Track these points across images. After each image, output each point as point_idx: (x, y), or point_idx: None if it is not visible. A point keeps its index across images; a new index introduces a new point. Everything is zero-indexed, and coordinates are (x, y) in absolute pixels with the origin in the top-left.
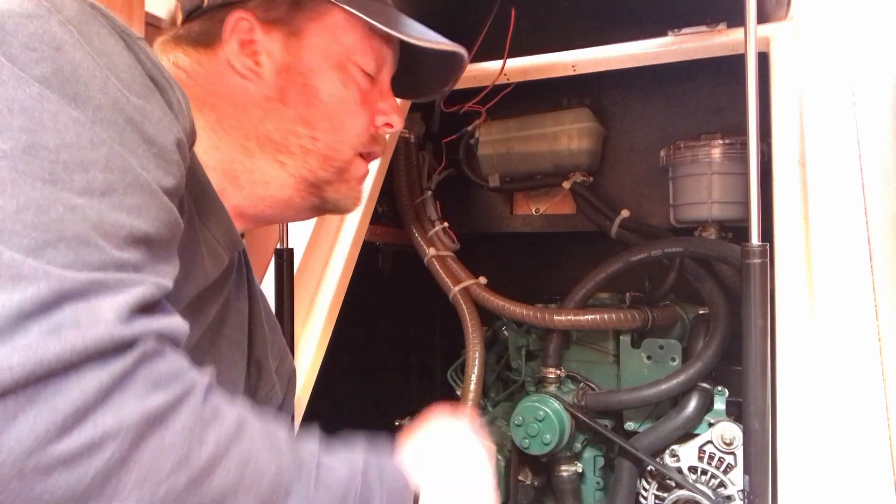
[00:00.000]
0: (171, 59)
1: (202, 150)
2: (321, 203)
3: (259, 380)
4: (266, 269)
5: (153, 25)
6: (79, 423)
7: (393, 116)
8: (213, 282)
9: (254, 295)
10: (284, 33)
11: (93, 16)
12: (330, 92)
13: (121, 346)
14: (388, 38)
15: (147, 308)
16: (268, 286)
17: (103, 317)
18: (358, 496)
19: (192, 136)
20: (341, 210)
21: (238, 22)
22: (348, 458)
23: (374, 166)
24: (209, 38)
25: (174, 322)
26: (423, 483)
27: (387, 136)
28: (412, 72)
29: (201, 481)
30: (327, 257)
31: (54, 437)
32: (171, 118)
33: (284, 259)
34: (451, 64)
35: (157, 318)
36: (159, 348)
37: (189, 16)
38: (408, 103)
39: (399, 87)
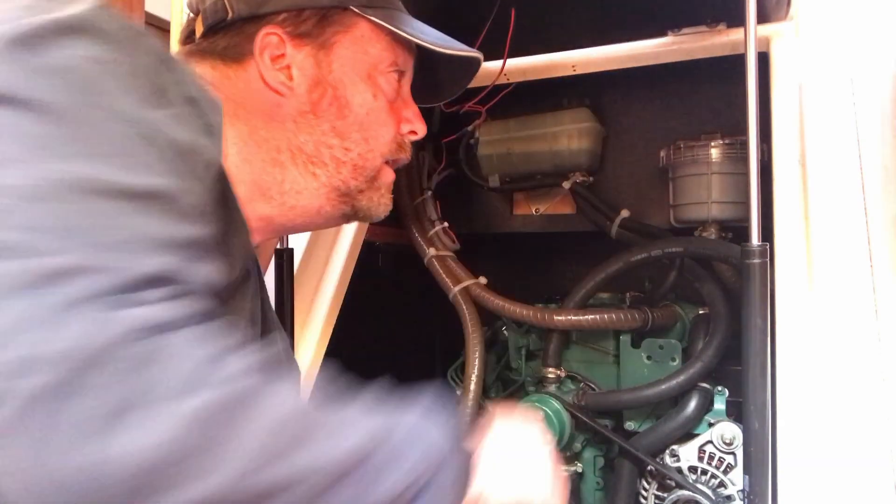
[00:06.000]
0: (197, 71)
1: (232, 164)
2: (353, 211)
3: None
4: (266, 269)
5: (153, 25)
6: None
7: (417, 124)
8: (230, 292)
9: (267, 307)
10: (314, 47)
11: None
12: (360, 103)
13: None
14: (409, 46)
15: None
16: (268, 286)
17: None
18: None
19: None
20: (372, 217)
21: (268, 38)
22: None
23: None
24: (237, 53)
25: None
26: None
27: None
28: (427, 78)
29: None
30: (327, 257)
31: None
32: None
33: (284, 259)
34: (466, 67)
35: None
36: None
37: (211, 29)
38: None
39: (416, 93)
